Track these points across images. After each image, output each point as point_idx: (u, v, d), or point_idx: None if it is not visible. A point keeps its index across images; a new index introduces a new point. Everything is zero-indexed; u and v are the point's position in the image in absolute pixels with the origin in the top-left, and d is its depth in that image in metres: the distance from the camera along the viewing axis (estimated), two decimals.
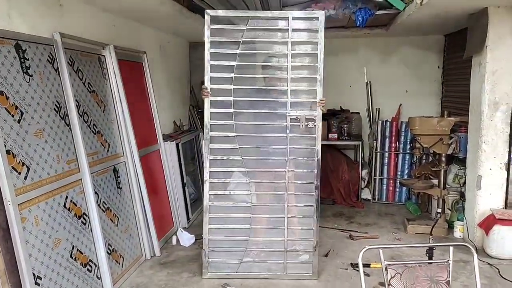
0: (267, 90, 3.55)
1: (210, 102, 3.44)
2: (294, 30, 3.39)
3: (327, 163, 5.75)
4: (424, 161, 5.44)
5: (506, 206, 4.14)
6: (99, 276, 3.18)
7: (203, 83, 3.43)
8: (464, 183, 4.58)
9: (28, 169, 2.60)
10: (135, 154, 3.90)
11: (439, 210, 4.56)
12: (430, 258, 2.19)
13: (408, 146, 5.68)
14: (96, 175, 3.36)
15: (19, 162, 2.53)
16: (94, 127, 3.45)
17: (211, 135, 3.47)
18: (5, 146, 2.43)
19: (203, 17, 3.39)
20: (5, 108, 2.48)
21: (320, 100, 3.42)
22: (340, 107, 6.18)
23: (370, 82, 6.16)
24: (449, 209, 4.79)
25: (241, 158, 3.50)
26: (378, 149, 5.82)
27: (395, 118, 5.92)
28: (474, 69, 4.27)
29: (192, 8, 4.32)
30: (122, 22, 4.16)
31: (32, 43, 2.78)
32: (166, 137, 4.83)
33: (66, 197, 2.94)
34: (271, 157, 3.55)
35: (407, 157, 5.77)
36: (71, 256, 2.89)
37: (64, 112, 3.03)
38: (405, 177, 5.71)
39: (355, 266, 3.67)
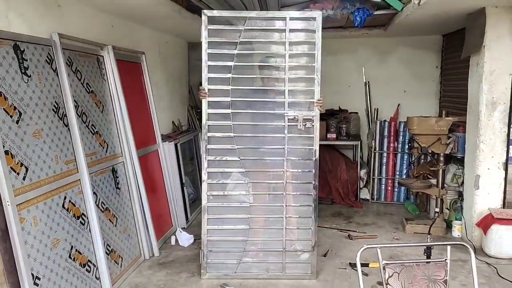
0: (265, 90, 3.56)
1: (208, 103, 3.44)
2: (291, 30, 3.40)
3: (326, 163, 5.77)
4: (422, 161, 5.46)
5: (504, 206, 4.16)
6: (97, 277, 3.18)
7: (201, 84, 3.44)
8: (462, 182, 4.59)
9: (27, 169, 2.61)
10: (134, 155, 3.90)
11: (437, 210, 4.57)
12: (428, 257, 2.19)
13: (407, 146, 5.70)
14: (95, 176, 3.37)
15: (18, 163, 2.54)
16: (93, 127, 3.46)
17: (209, 135, 3.48)
18: (3, 146, 2.43)
19: (201, 17, 3.40)
20: (4, 108, 2.48)
21: (318, 100, 3.43)
22: (339, 107, 6.19)
23: (368, 82, 6.17)
24: (447, 208, 4.80)
25: (239, 159, 3.51)
26: (377, 149, 5.82)
27: (393, 118, 5.93)
28: (472, 69, 4.28)
29: (191, 8, 4.32)
30: (121, 22, 4.16)
31: (30, 43, 2.78)
32: (165, 137, 4.83)
33: (65, 198, 2.94)
34: (269, 157, 3.55)
35: (406, 157, 5.77)
36: (69, 257, 2.90)
37: (63, 112, 3.04)
38: (404, 177, 5.71)
39: (353, 265, 3.70)
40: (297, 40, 3.43)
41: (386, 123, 5.82)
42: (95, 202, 3.24)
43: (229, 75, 3.42)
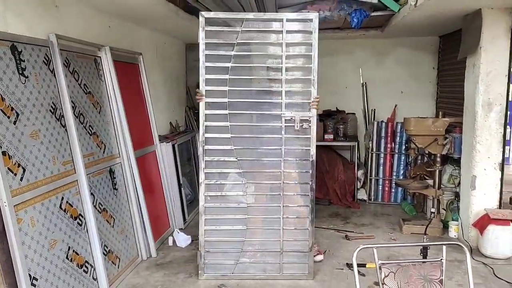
0: (262, 91, 3.56)
1: (206, 104, 3.45)
2: (288, 31, 3.42)
3: (323, 163, 5.78)
4: (419, 161, 5.48)
5: (500, 206, 4.18)
6: (95, 277, 3.18)
7: (198, 85, 3.45)
8: (459, 183, 4.60)
9: (24, 170, 2.61)
10: (131, 155, 3.91)
11: (434, 210, 4.58)
12: (424, 257, 2.21)
13: (404, 147, 5.72)
14: (92, 176, 3.37)
15: (15, 163, 2.54)
16: (90, 128, 3.46)
17: (207, 136, 3.49)
18: (0, 147, 2.44)
19: (199, 19, 3.41)
20: (1, 109, 2.48)
21: (314, 98, 3.43)
22: (336, 108, 6.21)
23: (365, 83, 6.19)
24: (444, 209, 4.81)
25: (236, 159, 3.52)
26: (374, 150, 5.85)
27: (390, 119, 5.95)
28: (468, 70, 4.30)
29: (188, 10, 4.33)
30: (118, 23, 4.16)
31: (28, 44, 2.78)
32: (162, 138, 4.83)
33: (62, 198, 2.94)
34: (267, 158, 3.56)
35: (403, 157, 5.80)
36: (67, 257, 2.90)
37: (60, 113, 3.04)
38: (401, 177, 5.74)
39: (350, 266, 3.71)
40: (294, 41, 3.45)
41: (383, 124, 5.84)
42: (93, 203, 3.24)
43: (227, 76, 3.43)
